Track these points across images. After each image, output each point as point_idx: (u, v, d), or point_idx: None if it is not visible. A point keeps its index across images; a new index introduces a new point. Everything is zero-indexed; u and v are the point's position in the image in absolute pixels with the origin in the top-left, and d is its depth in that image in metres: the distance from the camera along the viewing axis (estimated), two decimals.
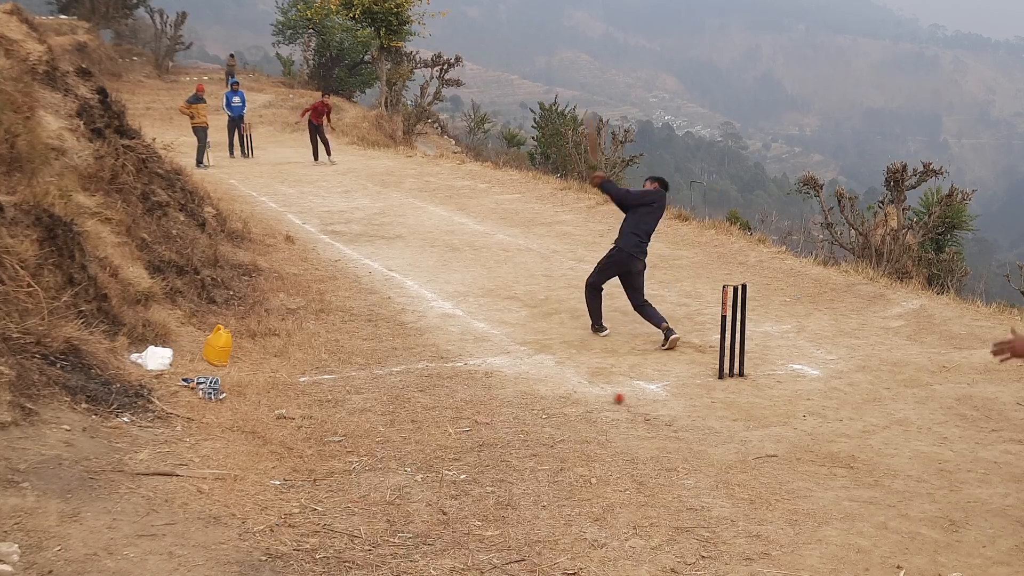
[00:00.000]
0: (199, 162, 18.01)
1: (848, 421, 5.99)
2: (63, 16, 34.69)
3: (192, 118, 18.79)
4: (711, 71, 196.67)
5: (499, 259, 11.01)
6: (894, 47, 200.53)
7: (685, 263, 10.88)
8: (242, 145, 20.93)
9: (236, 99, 20.83)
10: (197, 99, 18.91)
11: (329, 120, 20.85)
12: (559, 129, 26.75)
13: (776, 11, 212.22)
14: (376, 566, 3.99)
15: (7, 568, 3.46)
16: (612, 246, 7.99)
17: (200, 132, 18.75)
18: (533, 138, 30.50)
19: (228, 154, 20.69)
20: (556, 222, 13.34)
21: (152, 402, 5.52)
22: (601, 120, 22.49)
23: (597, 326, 8.04)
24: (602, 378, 6.82)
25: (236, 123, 20.77)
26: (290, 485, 4.75)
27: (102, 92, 9.49)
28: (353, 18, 27.56)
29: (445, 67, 25.92)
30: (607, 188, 8.06)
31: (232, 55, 39.36)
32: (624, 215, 8.03)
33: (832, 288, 9.67)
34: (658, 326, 7.66)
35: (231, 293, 8.20)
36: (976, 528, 4.53)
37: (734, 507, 4.70)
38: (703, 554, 4.21)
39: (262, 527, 4.23)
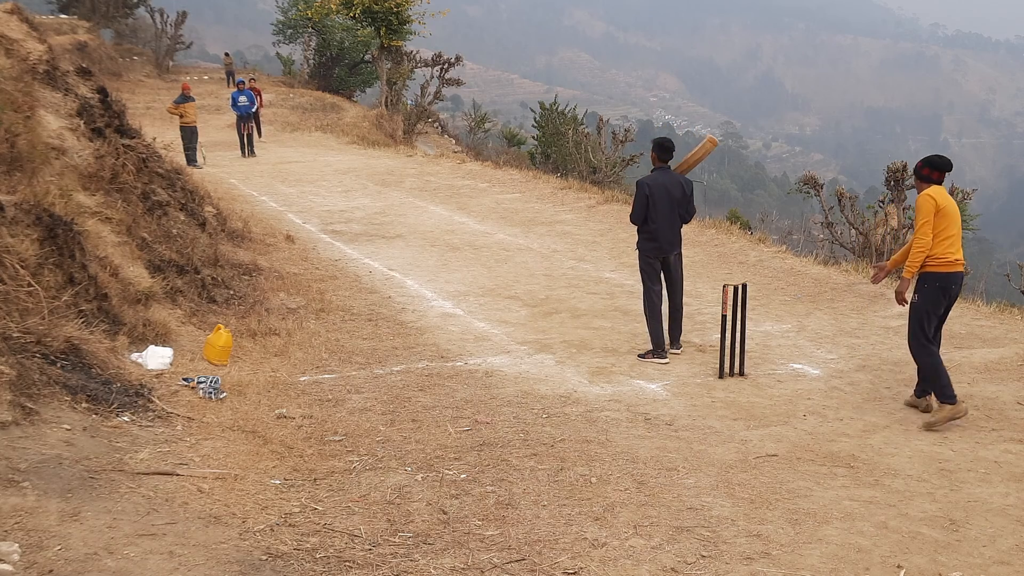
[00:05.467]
0: (190, 161, 17.98)
1: (848, 420, 5.99)
2: (63, 15, 34.76)
3: (181, 117, 18.76)
4: (711, 71, 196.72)
5: (499, 258, 11.01)
6: (894, 47, 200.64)
7: (685, 262, 10.85)
8: (249, 143, 20.96)
9: (243, 98, 20.86)
10: (185, 99, 18.88)
11: (261, 103, 23.26)
12: (559, 128, 26.77)
13: (776, 11, 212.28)
14: (376, 565, 3.99)
15: (7, 568, 3.46)
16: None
17: (187, 132, 18.70)
18: (533, 137, 30.56)
19: (240, 153, 20.73)
20: (556, 221, 13.34)
21: (152, 401, 5.52)
22: (601, 120, 22.50)
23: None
24: (602, 377, 6.82)
25: (244, 121, 20.81)
26: (290, 484, 4.76)
27: (102, 91, 9.49)
28: (353, 17, 27.59)
29: (445, 66, 25.96)
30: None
31: (227, 53, 39.42)
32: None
33: (832, 287, 9.67)
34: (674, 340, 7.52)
35: (231, 292, 8.20)
36: (976, 527, 4.53)
37: (734, 506, 4.70)
38: (703, 553, 4.21)
39: (262, 526, 4.24)
